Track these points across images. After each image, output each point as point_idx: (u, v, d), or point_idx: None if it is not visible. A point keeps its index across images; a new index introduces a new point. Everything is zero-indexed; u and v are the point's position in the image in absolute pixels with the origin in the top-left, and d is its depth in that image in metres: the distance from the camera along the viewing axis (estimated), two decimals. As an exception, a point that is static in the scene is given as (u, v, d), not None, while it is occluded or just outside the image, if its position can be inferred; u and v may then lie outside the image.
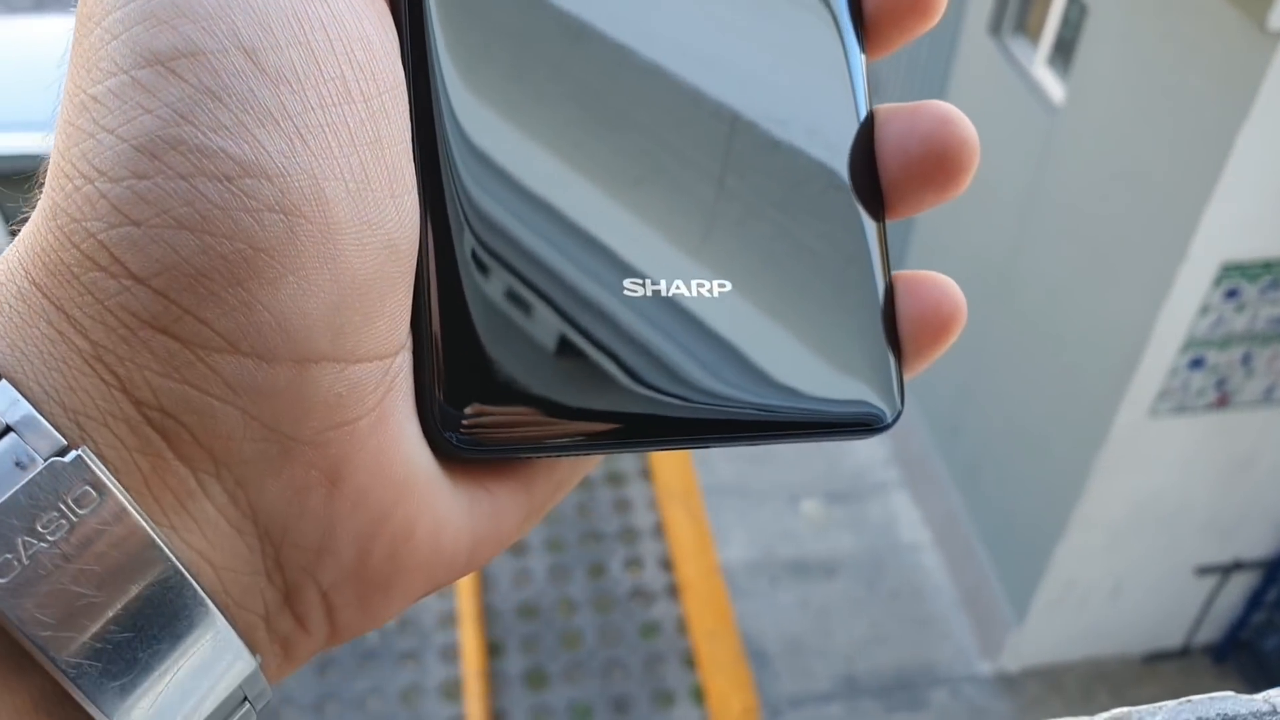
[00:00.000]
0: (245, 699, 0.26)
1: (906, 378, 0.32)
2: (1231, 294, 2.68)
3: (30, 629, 0.22)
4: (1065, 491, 3.16)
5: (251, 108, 0.23)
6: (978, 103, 3.41)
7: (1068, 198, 3.00)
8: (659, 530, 3.98)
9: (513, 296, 0.29)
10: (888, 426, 0.32)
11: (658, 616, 3.74)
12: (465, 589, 3.74)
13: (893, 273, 0.33)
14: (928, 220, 3.82)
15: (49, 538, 0.22)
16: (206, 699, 0.25)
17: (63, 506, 0.22)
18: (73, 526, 0.22)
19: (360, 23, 0.25)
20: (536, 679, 3.57)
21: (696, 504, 4.02)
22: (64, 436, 0.23)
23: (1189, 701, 0.26)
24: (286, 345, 0.24)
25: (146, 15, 0.23)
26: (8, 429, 0.22)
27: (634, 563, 3.88)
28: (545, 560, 3.87)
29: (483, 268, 0.28)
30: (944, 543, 3.91)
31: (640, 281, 0.30)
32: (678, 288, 0.30)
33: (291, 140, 0.23)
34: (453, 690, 3.53)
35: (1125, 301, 2.79)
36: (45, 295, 0.23)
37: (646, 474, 4.13)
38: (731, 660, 3.62)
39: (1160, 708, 0.26)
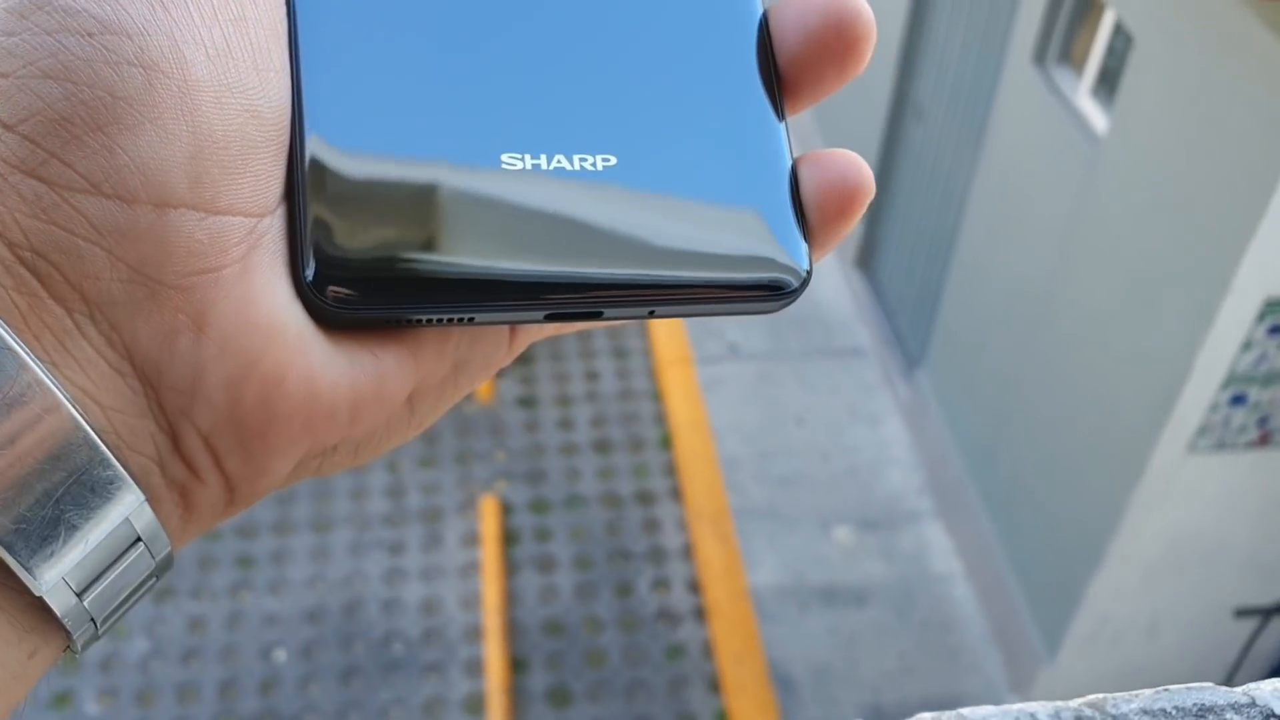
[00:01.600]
0: (139, 539, 0.27)
1: (822, 252, 0.32)
2: (1275, 330, 2.64)
3: None
4: (1100, 525, 3.12)
5: None
6: (1020, 131, 3.39)
7: (1109, 228, 2.97)
8: (688, 552, 3.96)
9: (378, 164, 0.30)
10: (793, 294, 0.31)
11: (684, 639, 3.72)
12: (491, 604, 3.74)
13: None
14: (967, 245, 3.80)
15: None
16: (92, 526, 0.26)
17: None
18: None
19: None
20: (560, 697, 3.56)
21: (727, 526, 4.01)
22: None
23: (1166, 690, 0.26)
24: (145, 188, 0.26)
25: None
26: None
27: (661, 583, 3.87)
28: (572, 577, 3.87)
29: (351, 136, 0.29)
30: (976, 574, 3.87)
31: (519, 156, 0.30)
32: (559, 161, 0.30)
33: (153, 7, 0.26)
34: (475, 705, 3.52)
35: (1166, 334, 2.76)
36: None
37: (676, 495, 4.12)
38: (757, 686, 3.59)
39: (1137, 695, 0.26)
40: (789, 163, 0.32)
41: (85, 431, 0.26)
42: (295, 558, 3.87)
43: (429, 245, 0.29)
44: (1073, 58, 3.22)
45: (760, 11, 0.34)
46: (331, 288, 0.28)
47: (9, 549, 0.25)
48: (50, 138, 0.25)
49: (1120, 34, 2.95)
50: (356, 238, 0.29)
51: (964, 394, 3.96)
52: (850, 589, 3.88)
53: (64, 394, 0.25)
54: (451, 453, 4.22)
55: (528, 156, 0.30)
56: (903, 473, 4.24)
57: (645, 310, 0.31)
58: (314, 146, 0.29)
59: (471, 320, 0.30)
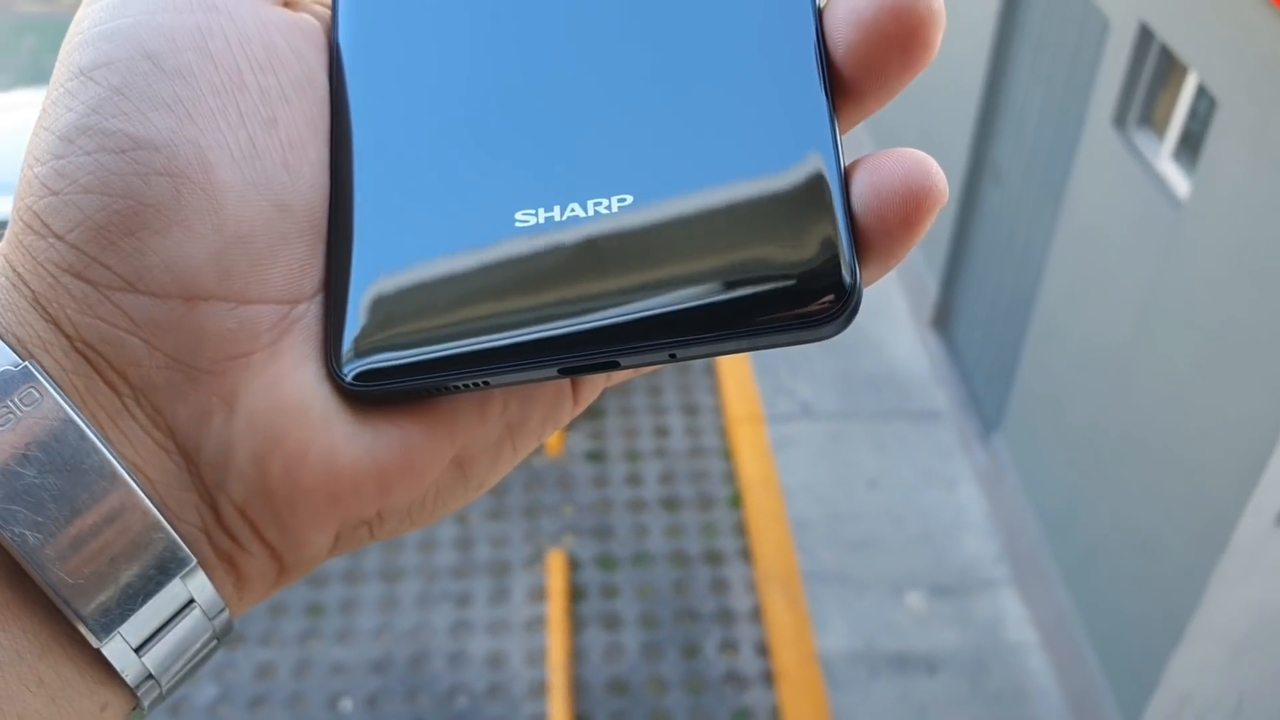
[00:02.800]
0: (192, 600, 0.30)
1: (881, 269, 0.29)
2: (1366, 400, 2.55)
3: None
4: (1183, 598, 3.02)
5: (149, 98, 0.29)
6: (1100, 194, 3.35)
7: (1191, 293, 2.91)
8: (756, 614, 3.91)
9: (402, 249, 0.31)
10: (834, 317, 0.28)
11: (751, 703, 3.67)
12: (556, 660, 3.72)
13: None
14: (1045, 308, 3.75)
15: None
16: (141, 566, 0.29)
17: (11, 404, 0.28)
18: (18, 420, 0.28)
19: (264, 31, 0.31)
20: (623, 757, 3.52)
21: (797, 589, 3.95)
22: (16, 356, 0.28)
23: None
24: (175, 285, 0.29)
25: (79, 42, 0.30)
26: None
27: (729, 645, 3.82)
28: (638, 636, 3.84)
29: (372, 221, 0.31)
30: (1052, 644, 3.77)
31: (532, 212, 0.30)
32: (572, 210, 0.30)
33: (181, 120, 0.29)
34: (539, 763, 3.50)
35: (1250, 404, 2.68)
36: (5, 258, 0.30)
37: (746, 555, 4.08)
38: (824, 753, 3.52)
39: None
40: (836, 168, 0.29)
41: (139, 497, 0.29)
42: (364, 607, 3.90)
43: (444, 319, 0.30)
44: (1154, 121, 3.18)
45: (811, 5, 0.31)
46: (356, 370, 0.30)
47: (67, 602, 0.28)
48: (91, 244, 0.29)
49: (1203, 97, 2.91)
50: (379, 322, 0.30)
51: (1042, 460, 3.88)
52: (922, 656, 3.80)
53: (121, 465, 0.28)
54: (520, 506, 4.24)
55: (541, 210, 0.30)
56: (978, 539, 4.16)
57: (664, 354, 0.29)
58: (340, 233, 0.31)
59: (487, 384, 0.30)
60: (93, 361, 0.29)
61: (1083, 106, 3.44)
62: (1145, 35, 3.08)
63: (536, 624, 3.86)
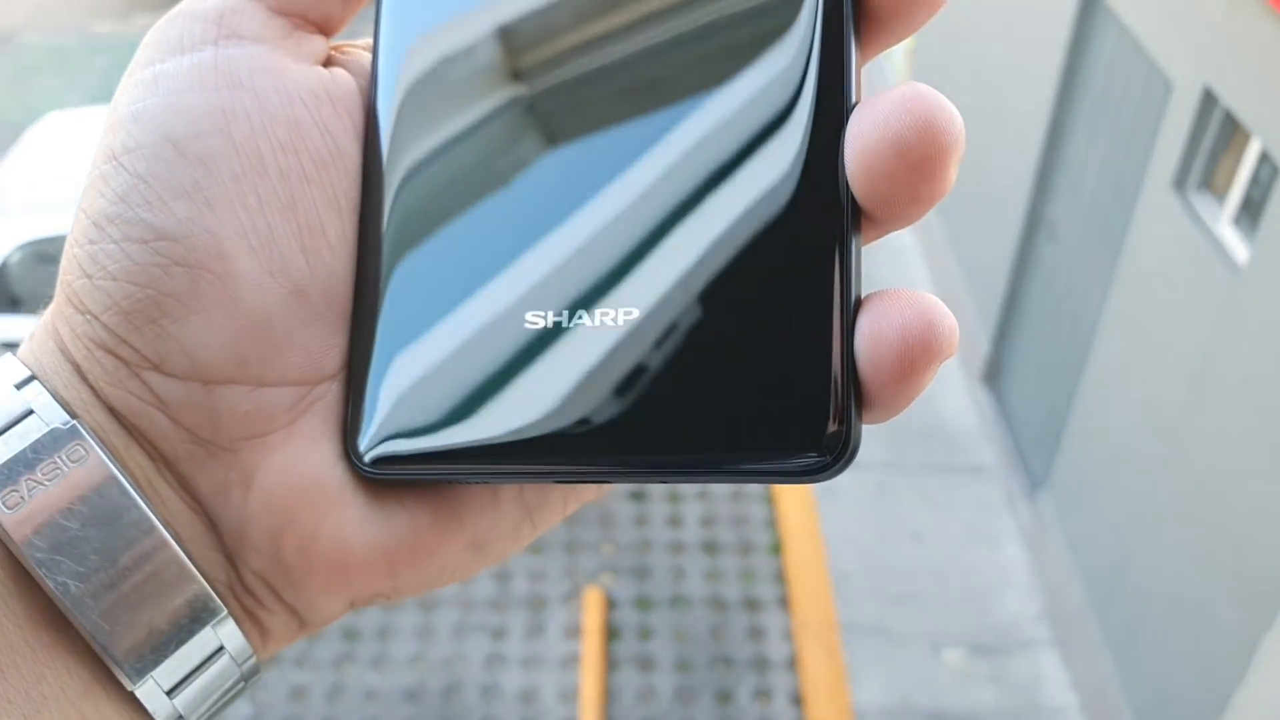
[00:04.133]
0: (222, 647, 0.31)
1: (886, 416, 0.28)
2: None
3: (28, 550, 0.29)
4: (1229, 672, 2.96)
5: (170, 186, 0.31)
6: (1157, 257, 3.32)
7: (1248, 361, 2.87)
8: (792, 663, 3.88)
9: (419, 340, 0.31)
10: (825, 475, 0.28)
11: (783, 752, 3.63)
12: (589, 699, 3.71)
13: (864, 292, 0.29)
14: (1097, 368, 3.71)
15: (46, 482, 0.29)
16: (171, 605, 0.30)
17: (59, 459, 0.30)
18: (64, 475, 0.30)
19: (289, 107, 0.32)
20: (651, 801, 3.50)
21: (834, 640, 3.92)
22: (66, 415, 0.30)
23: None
24: (194, 369, 0.31)
25: (115, 122, 0.32)
26: (30, 411, 0.30)
27: (763, 694, 3.79)
28: (672, 680, 3.82)
29: (394, 310, 0.32)
30: (1092, 710, 3.70)
31: (541, 313, 0.30)
32: (580, 318, 0.30)
33: (200, 209, 0.31)
34: (566, 801, 3.48)
35: (1303, 474, 2.63)
36: (54, 327, 0.32)
37: (784, 603, 4.05)
38: (855, 808, 3.47)
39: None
40: (843, 307, 0.28)
41: (174, 551, 0.30)
42: (400, 634, 3.91)
43: (458, 415, 0.31)
44: (1214, 185, 3.16)
45: (839, 109, 0.30)
46: (370, 455, 0.31)
47: (104, 648, 0.30)
48: (120, 326, 0.30)
49: (1266, 163, 2.88)
50: (395, 408, 0.31)
51: (1088, 521, 3.83)
52: (958, 714, 3.74)
53: (158, 520, 0.30)
54: (559, 541, 4.24)
55: (550, 314, 0.30)
56: (1020, 598, 4.10)
57: (656, 480, 0.30)
58: (361, 321, 0.32)
59: (488, 482, 0.32)
60: (127, 428, 0.31)
61: (1142, 167, 3.42)
62: (1209, 99, 3.06)
63: (570, 661, 3.85)
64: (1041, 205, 4.27)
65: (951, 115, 0.28)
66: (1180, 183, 3.21)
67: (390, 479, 0.31)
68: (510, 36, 0.33)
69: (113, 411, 0.31)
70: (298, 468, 0.31)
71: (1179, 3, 3.23)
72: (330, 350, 0.32)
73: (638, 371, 0.29)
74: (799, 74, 0.30)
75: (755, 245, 0.29)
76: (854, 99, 0.30)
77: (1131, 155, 3.53)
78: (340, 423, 0.32)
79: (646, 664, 3.87)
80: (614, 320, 0.30)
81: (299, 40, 0.34)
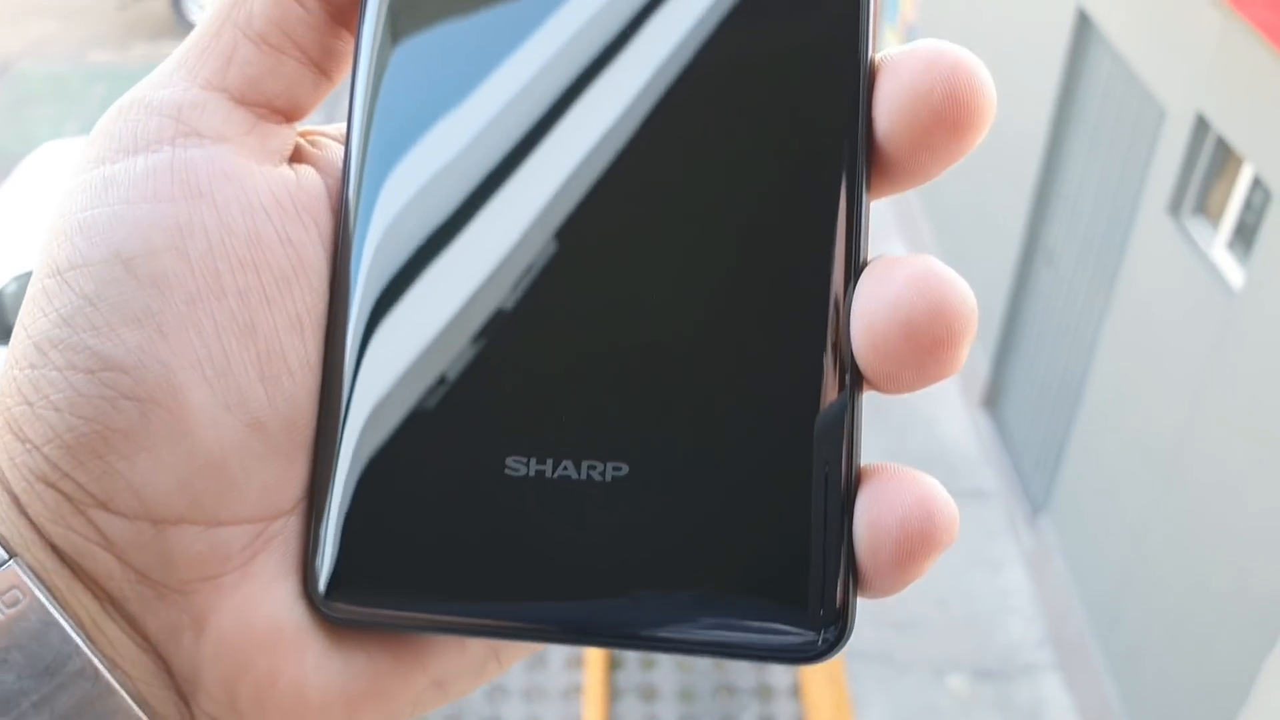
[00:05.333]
0: None
1: (876, 597, 0.27)
2: None
3: None
4: (1231, 695, 2.95)
5: (120, 310, 0.28)
6: (1153, 281, 3.33)
7: (1244, 385, 2.88)
8: (796, 691, 3.87)
9: (389, 478, 0.29)
10: (818, 657, 0.26)
11: (786, 781, 3.62)
12: (592, 729, 3.70)
13: (862, 464, 0.28)
14: (1095, 392, 3.72)
15: None
16: None
17: None
18: (1, 620, 0.27)
19: (250, 219, 0.29)
20: (655, 832, 3.48)
21: (837, 668, 3.91)
22: (2, 552, 0.28)
23: None
24: (143, 509, 0.28)
25: (56, 233, 0.29)
26: None
27: (767, 721, 3.78)
28: (675, 709, 3.81)
29: (363, 448, 0.29)
30: (1096, 736, 3.69)
31: (523, 460, 0.28)
32: (565, 469, 0.28)
33: (151, 337, 0.28)
34: (570, 833, 3.46)
35: (1302, 498, 2.64)
36: None
37: (786, 630, 4.04)
38: (859, 837, 3.46)
39: None
40: (844, 481, 0.27)
41: (122, 699, 0.28)
42: (403, 667, 3.90)
43: (429, 565, 0.29)
44: (1209, 209, 3.17)
45: (847, 259, 0.28)
46: (334, 598, 0.29)
47: None
48: (64, 460, 0.28)
49: (1259, 188, 2.90)
50: (363, 551, 0.29)
51: (1089, 545, 3.83)
52: (962, 741, 3.73)
53: (104, 666, 0.28)
54: (563, 571, 4.23)
55: (533, 461, 0.28)
56: (1022, 623, 4.09)
57: (639, 648, 0.28)
58: (324, 458, 0.29)
59: (462, 634, 0.30)
60: (70, 567, 0.28)
61: (1137, 193, 3.44)
62: (1201, 125, 3.08)
63: (573, 692, 3.84)
64: (1038, 231, 4.29)
65: (964, 297, 0.27)
66: (1175, 208, 3.23)
67: (351, 622, 0.29)
68: (487, 140, 0.30)
69: (55, 549, 0.28)
70: (254, 610, 0.29)
71: (1171, 30, 3.25)
72: (289, 484, 0.30)
73: (624, 533, 0.27)
74: (808, 225, 0.28)
75: (755, 409, 0.28)
76: (864, 257, 0.28)
77: (1127, 181, 3.55)
78: (299, 560, 0.29)
79: (649, 693, 3.85)
80: (601, 475, 0.28)
81: (264, 134, 0.31)
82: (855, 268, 0.28)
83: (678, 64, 0.29)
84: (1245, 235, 2.97)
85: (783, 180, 0.28)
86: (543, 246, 0.29)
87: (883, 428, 4.84)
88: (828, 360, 0.28)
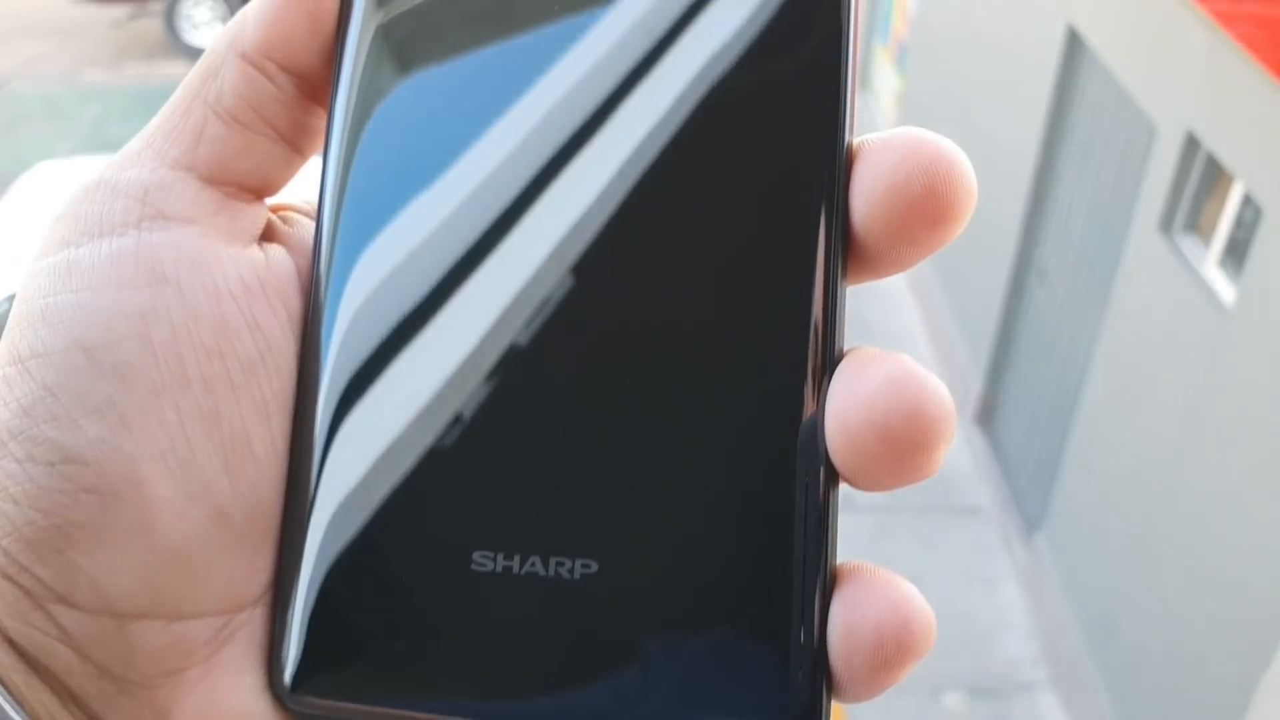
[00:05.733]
0: None
1: (851, 701, 0.27)
2: None
3: None
4: (1228, 712, 2.95)
5: (81, 401, 0.27)
6: (1145, 298, 3.34)
7: (1238, 401, 2.89)
8: (791, 709, 3.86)
9: (356, 570, 0.29)
10: None
11: (783, 800, 3.60)
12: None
13: (838, 562, 0.27)
14: (1089, 408, 3.73)
15: None
16: None
17: None
18: None
19: (219, 305, 0.29)
20: None
21: (832, 685, 3.90)
22: None
23: None
24: (104, 604, 0.27)
25: (19, 319, 0.29)
26: None
27: (763, 740, 3.77)
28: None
29: (330, 539, 0.29)
30: (1093, 754, 3.68)
31: (490, 555, 0.28)
32: (533, 565, 0.27)
33: (113, 428, 0.27)
34: None
35: (1296, 515, 2.64)
36: None
37: (782, 649, 4.03)
38: None
39: None
40: (819, 582, 0.27)
41: None
42: None
43: (399, 658, 0.28)
44: (1200, 227, 3.19)
45: (823, 356, 0.27)
46: (299, 690, 0.28)
47: None
48: (22, 554, 0.27)
49: (1249, 205, 2.92)
50: (329, 644, 0.28)
51: (1084, 562, 3.83)
52: (959, 760, 3.72)
53: None
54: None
55: (500, 556, 0.28)
56: (1018, 640, 4.09)
57: None
58: (290, 548, 0.29)
59: None
60: (29, 663, 0.27)
61: (1129, 210, 3.45)
62: (1192, 143, 3.10)
63: None
64: (1031, 248, 4.31)
65: (941, 401, 0.26)
66: (1167, 225, 3.24)
67: (317, 717, 0.29)
68: (456, 224, 0.29)
69: (13, 645, 0.27)
70: (219, 705, 0.29)
71: (1161, 48, 3.27)
72: (255, 574, 0.29)
73: (592, 631, 0.27)
74: (781, 315, 0.28)
75: (728, 506, 0.27)
76: (839, 347, 0.28)
77: (1118, 198, 3.57)
78: (264, 652, 0.29)
79: None
80: (570, 571, 0.27)
81: (234, 214, 0.30)
82: (831, 359, 0.28)
83: (651, 150, 0.29)
84: (1236, 252, 2.99)
85: (756, 269, 0.28)
86: (514, 336, 0.29)
87: (877, 445, 4.83)
88: (801, 456, 0.27)
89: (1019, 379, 4.48)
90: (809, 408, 0.27)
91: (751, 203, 0.28)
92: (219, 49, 0.30)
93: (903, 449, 0.26)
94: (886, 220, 0.27)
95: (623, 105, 0.29)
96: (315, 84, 0.31)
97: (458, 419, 0.28)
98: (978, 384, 4.75)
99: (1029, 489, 4.35)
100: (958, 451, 4.83)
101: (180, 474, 0.28)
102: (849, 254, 0.28)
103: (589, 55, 0.29)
